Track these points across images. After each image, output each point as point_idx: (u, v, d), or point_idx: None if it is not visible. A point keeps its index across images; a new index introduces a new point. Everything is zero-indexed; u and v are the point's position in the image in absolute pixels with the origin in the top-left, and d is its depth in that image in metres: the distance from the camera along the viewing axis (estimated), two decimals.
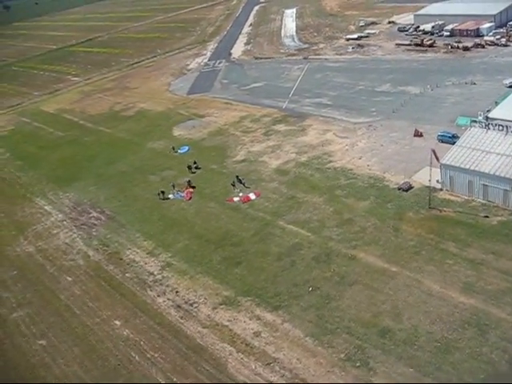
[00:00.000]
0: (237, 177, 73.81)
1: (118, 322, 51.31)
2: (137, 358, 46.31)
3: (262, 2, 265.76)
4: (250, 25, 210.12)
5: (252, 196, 70.42)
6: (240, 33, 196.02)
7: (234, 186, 73.29)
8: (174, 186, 77.02)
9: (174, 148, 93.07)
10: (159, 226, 68.07)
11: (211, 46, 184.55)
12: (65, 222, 76.04)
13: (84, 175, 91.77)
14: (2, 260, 68.55)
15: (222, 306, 50.33)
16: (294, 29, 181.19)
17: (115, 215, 73.74)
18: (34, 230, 74.90)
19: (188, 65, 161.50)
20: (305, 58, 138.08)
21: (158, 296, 53.93)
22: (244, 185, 73.54)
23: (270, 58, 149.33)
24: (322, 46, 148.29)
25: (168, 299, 53.13)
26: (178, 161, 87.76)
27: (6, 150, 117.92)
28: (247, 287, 52.11)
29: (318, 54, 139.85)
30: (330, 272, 51.69)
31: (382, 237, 55.61)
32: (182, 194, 74.99)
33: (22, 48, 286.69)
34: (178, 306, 51.67)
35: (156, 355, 46.06)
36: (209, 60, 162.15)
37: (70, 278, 60.83)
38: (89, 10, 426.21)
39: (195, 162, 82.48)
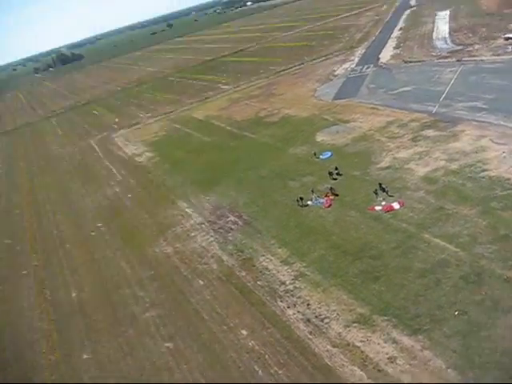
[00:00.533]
0: (379, 184, 69.18)
1: (244, 332, 49.50)
2: (260, 372, 44.01)
3: (413, 6, 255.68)
4: (400, 29, 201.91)
5: (395, 205, 65.45)
6: (389, 37, 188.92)
7: (376, 194, 68.84)
8: (313, 191, 74.29)
9: (315, 153, 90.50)
10: (295, 233, 65.59)
11: (359, 51, 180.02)
12: (203, 225, 76.56)
13: (225, 179, 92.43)
14: (141, 259, 70.44)
15: (355, 324, 46.33)
16: (447, 30, 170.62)
17: (252, 220, 72.69)
18: (174, 231, 76.31)
19: (335, 71, 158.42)
20: (458, 61, 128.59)
21: (288, 307, 51.25)
22: (387, 193, 68.78)
23: (420, 61, 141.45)
24: (477, 47, 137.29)
25: (298, 312, 50.26)
26: (319, 167, 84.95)
27: (157, 155, 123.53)
28: (384, 305, 47.57)
29: (473, 56, 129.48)
30: (481, 295, 45.41)
31: None
32: (322, 201, 72.05)
33: (181, 60, 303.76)
34: (308, 320, 48.57)
35: (280, 372, 43.38)
36: (356, 65, 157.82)
37: (202, 282, 60.45)
38: (242, 23, 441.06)
39: (336, 168, 79.10)
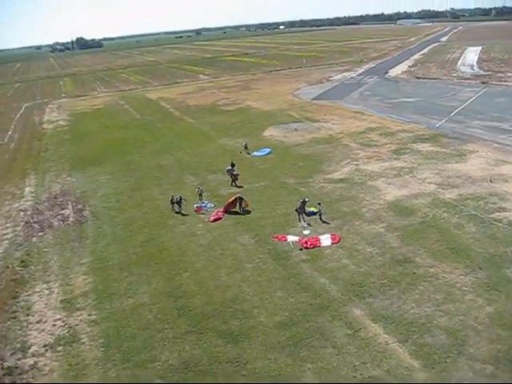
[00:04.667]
0: (303, 202, 38.13)
1: None
2: None
3: (443, 42, 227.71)
4: (422, 54, 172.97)
5: (324, 240, 34.44)
6: (407, 59, 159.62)
7: (299, 214, 37.99)
8: (200, 195, 43.94)
9: (246, 147, 60.16)
10: (131, 256, 34.64)
11: (367, 65, 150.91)
12: (27, 212, 46.47)
13: (113, 161, 62.64)
14: None
15: None
16: (476, 59, 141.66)
17: (91, 222, 42.74)
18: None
19: (331, 76, 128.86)
20: (483, 83, 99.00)
21: None
22: (320, 217, 37.88)
23: (435, 78, 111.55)
24: (510, 74, 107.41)
25: None
26: (243, 163, 54.49)
27: (70, 125, 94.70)
28: None
29: (504, 81, 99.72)
30: None
31: None
32: (210, 206, 41.73)
33: (183, 55, 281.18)
34: None
35: None
36: (358, 75, 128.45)
37: None
38: (264, 39, 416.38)
39: (233, 165, 50.16)
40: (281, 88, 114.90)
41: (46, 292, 31.20)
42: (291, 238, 34.97)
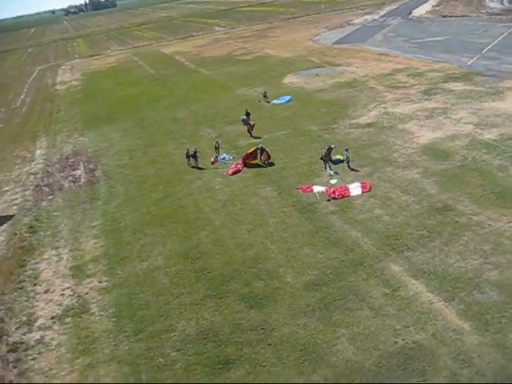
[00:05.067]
0: (329, 149, 34.91)
1: None
2: None
3: None
4: None
5: (354, 189, 31.40)
6: None
7: (325, 163, 34.88)
8: (217, 148, 40.90)
9: (266, 95, 56.66)
10: (145, 215, 32.34)
11: (389, 7, 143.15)
12: (36, 176, 44.11)
13: (127, 118, 59.88)
14: None
15: None
16: None
17: (103, 182, 40.20)
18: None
19: (351, 20, 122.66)
20: None
21: None
22: (348, 164, 34.74)
23: (463, 16, 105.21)
24: None
25: None
26: (263, 112, 51.27)
27: (83, 84, 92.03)
28: None
29: None
30: None
31: None
32: (229, 158, 39.06)
33: (198, 9, 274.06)
34: None
35: None
36: (380, 17, 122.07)
37: None
38: None
39: (248, 114, 46.99)
40: (299, 35, 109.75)
41: (55, 259, 28.97)
42: (317, 189, 31.99)
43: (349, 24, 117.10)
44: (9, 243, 31.73)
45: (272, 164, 37.93)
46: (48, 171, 44.96)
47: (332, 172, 34.58)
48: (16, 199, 39.42)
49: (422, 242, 24.95)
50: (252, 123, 45.57)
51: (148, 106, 63.88)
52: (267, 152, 38.05)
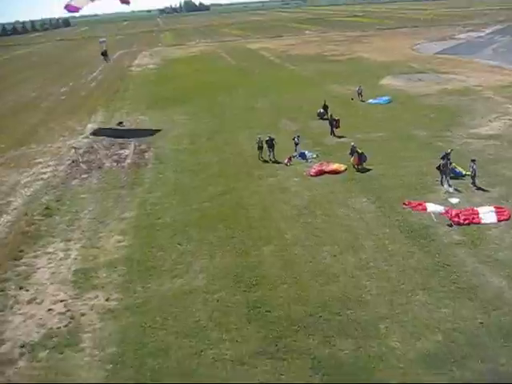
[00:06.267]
0: (447, 154, 25.72)
1: None
2: None
3: None
4: None
5: (486, 214, 21.86)
6: None
7: (442, 174, 25.52)
8: (296, 145, 32.18)
9: (361, 93, 47.65)
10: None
11: (495, 27, 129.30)
12: (72, 151, 37.14)
13: (197, 101, 53.14)
14: None
15: None
16: None
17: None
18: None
19: (454, 35, 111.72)
20: None
21: None
22: (474, 180, 25.28)
23: None
24: None
25: None
26: (355, 111, 42.44)
27: (159, 68, 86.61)
28: None
29: None
30: None
31: None
32: (311, 156, 30.48)
33: (290, 16, 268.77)
34: None
35: None
36: (486, 34, 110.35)
37: None
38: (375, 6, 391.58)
39: (326, 106, 38.72)
40: (396, 42, 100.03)
41: (60, 255, 21.12)
42: (433, 207, 22.71)
43: (451, 38, 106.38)
44: (12, 225, 24.20)
45: (367, 170, 28.86)
46: (93, 147, 37.71)
47: (451, 188, 25.16)
48: (45, 173, 32.20)
49: None
50: (337, 118, 36.62)
51: (224, 93, 56.47)
52: (360, 154, 28.94)
